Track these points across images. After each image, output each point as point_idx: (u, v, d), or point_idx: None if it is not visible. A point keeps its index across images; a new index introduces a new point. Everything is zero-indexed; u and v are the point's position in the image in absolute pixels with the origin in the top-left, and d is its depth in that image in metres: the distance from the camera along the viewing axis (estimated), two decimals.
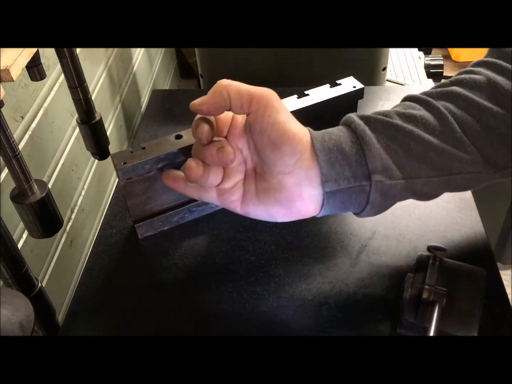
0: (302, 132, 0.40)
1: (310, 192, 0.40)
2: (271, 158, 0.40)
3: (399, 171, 0.40)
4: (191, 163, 0.41)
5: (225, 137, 0.42)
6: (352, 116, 0.42)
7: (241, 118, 0.42)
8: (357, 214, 0.43)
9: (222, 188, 0.43)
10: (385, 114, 0.42)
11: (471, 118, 0.41)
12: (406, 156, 0.40)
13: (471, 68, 0.45)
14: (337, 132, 0.41)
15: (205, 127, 0.40)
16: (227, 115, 0.41)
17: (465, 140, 0.40)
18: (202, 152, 0.41)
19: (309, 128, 0.41)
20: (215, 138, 0.41)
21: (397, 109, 0.42)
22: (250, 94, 0.39)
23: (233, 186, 0.43)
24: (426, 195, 0.43)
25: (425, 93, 0.44)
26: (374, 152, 0.39)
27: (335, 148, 0.40)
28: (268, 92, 0.39)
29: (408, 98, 0.44)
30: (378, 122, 0.41)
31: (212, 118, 0.41)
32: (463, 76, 0.44)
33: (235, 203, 0.43)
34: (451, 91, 0.42)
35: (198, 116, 0.41)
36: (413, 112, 0.41)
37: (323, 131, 0.42)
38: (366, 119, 0.41)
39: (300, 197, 0.41)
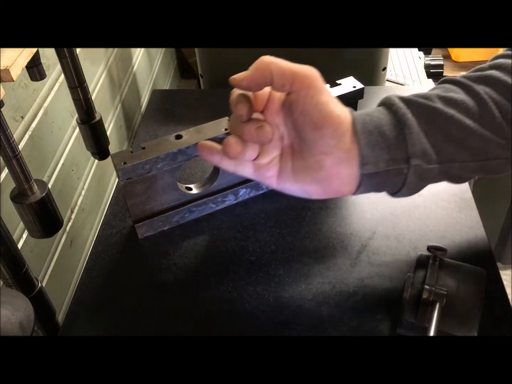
0: (343, 113, 0.40)
1: (348, 173, 0.41)
2: (312, 138, 0.40)
3: (437, 155, 0.40)
4: (231, 140, 0.41)
5: (262, 112, 0.42)
6: (393, 98, 0.42)
7: (278, 94, 0.41)
8: (391, 194, 0.44)
9: (258, 164, 0.43)
10: (425, 97, 0.42)
11: (510, 103, 0.41)
12: (445, 141, 0.40)
13: (507, 52, 0.45)
14: (378, 114, 0.41)
15: (246, 105, 0.40)
16: (265, 90, 0.41)
17: (504, 126, 0.41)
18: (240, 128, 0.41)
19: (350, 109, 0.41)
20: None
21: (437, 92, 0.42)
22: (293, 73, 0.38)
23: (269, 162, 0.43)
24: (459, 178, 0.43)
25: (464, 77, 0.44)
26: (414, 136, 0.40)
27: (376, 130, 0.40)
28: (311, 72, 0.39)
29: (448, 81, 0.44)
30: (419, 106, 0.41)
31: (250, 93, 0.41)
32: (501, 60, 0.43)
33: (270, 179, 0.43)
34: (490, 75, 0.42)
35: (237, 91, 0.41)
36: (454, 96, 0.41)
37: (363, 112, 0.42)
38: (407, 102, 0.41)
39: (338, 177, 0.41)
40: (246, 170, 0.44)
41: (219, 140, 0.50)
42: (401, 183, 0.41)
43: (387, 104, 0.42)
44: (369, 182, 0.41)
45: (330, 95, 0.40)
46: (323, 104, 0.39)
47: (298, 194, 0.44)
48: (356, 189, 0.42)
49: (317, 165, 0.41)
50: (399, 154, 0.40)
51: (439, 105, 0.41)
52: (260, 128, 0.40)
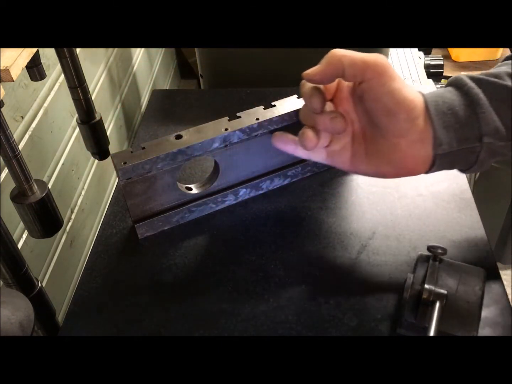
0: (416, 97, 0.41)
1: (422, 154, 0.42)
2: (385, 124, 0.41)
3: (507, 132, 0.41)
4: (308, 133, 0.43)
5: (331, 100, 0.43)
6: (464, 78, 0.42)
7: (346, 82, 0.43)
8: (462, 171, 0.45)
9: (330, 150, 0.45)
10: (495, 75, 0.42)
11: None
12: None
13: None
14: (449, 95, 0.42)
15: (320, 98, 0.42)
16: None
17: None
18: (313, 119, 0.43)
19: (421, 91, 0.42)
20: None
21: (506, 70, 0.43)
22: (364, 64, 0.39)
23: (341, 148, 0.45)
24: None
25: None
26: (487, 115, 0.40)
27: (449, 112, 0.41)
28: (381, 60, 0.40)
29: None
30: (489, 84, 0.41)
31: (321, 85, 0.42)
32: None
33: (344, 163, 0.45)
34: None
35: (308, 84, 0.42)
36: None
37: (434, 94, 0.42)
38: (478, 81, 0.42)
39: (412, 158, 0.42)
40: (319, 156, 0.46)
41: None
42: (473, 160, 0.42)
43: (458, 84, 0.43)
44: (442, 161, 0.42)
45: (401, 81, 0.41)
46: (396, 91, 0.40)
47: (371, 176, 0.46)
48: (429, 168, 0.43)
49: (391, 148, 0.42)
50: (472, 133, 0.41)
51: (509, 82, 0.41)
52: (334, 119, 0.42)
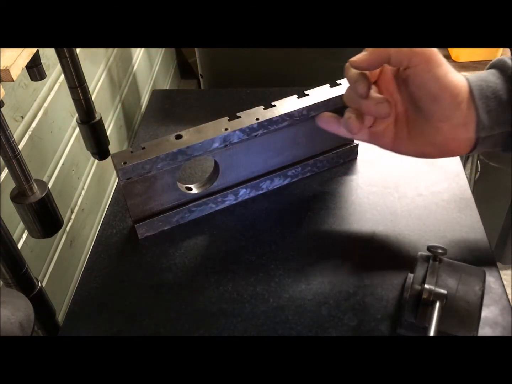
0: (461, 82, 0.42)
1: (465, 136, 0.43)
2: (430, 109, 0.42)
3: None
4: (352, 118, 0.44)
5: (375, 83, 0.44)
6: (507, 61, 0.43)
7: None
8: (502, 151, 0.45)
9: (374, 131, 0.46)
10: None
11: None
12: None
13: None
14: (493, 78, 0.43)
15: (366, 83, 0.42)
16: None
17: None
18: (358, 102, 0.44)
19: (466, 76, 0.43)
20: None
21: None
22: (410, 50, 0.40)
23: (384, 129, 0.46)
24: None
25: None
26: None
27: (493, 96, 0.42)
28: None
29: None
30: None
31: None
32: None
33: (386, 144, 0.46)
34: None
35: (353, 71, 0.43)
36: None
37: (478, 77, 0.43)
38: None
39: (455, 141, 0.43)
40: (362, 137, 0.48)
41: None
42: None
43: (502, 67, 0.43)
44: (484, 143, 0.43)
45: (447, 66, 0.41)
46: (441, 77, 0.40)
47: (413, 156, 0.47)
48: (471, 150, 0.44)
49: (434, 131, 0.43)
50: None
51: None
52: (379, 105, 0.43)
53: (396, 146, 0.47)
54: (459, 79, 0.42)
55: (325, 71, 0.86)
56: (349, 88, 0.45)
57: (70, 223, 0.72)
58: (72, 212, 0.73)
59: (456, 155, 0.46)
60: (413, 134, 0.45)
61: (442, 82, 0.41)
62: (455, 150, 0.44)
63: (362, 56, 0.42)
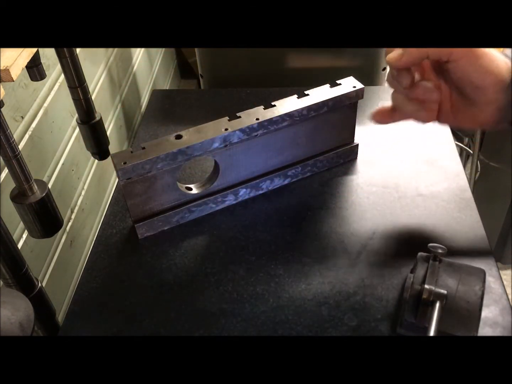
0: (503, 69, 0.42)
1: (504, 115, 0.43)
2: (472, 95, 0.43)
3: None
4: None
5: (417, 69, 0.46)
6: None
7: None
8: None
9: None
10: None
11: None
12: None
13: None
14: None
15: (408, 76, 0.44)
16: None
17: None
18: (405, 91, 0.45)
19: (507, 60, 0.43)
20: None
21: None
22: None
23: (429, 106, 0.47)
24: None
25: None
26: None
27: None
28: None
29: None
30: None
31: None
32: None
33: (429, 118, 0.47)
34: None
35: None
36: None
37: None
38: None
39: (494, 118, 0.44)
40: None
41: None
42: None
43: None
44: None
45: (489, 56, 0.42)
46: (483, 68, 0.41)
47: (450, 126, 0.50)
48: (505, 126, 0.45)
49: (477, 112, 0.44)
50: None
51: None
52: (428, 93, 0.45)
53: (439, 121, 0.48)
54: (502, 65, 0.42)
55: (325, 71, 0.87)
56: (391, 77, 0.46)
57: (70, 223, 0.72)
58: (72, 212, 0.73)
59: (491, 130, 0.48)
60: (457, 113, 0.46)
61: (484, 72, 0.41)
62: (492, 126, 0.45)
63: (399, 54, 0.42)
